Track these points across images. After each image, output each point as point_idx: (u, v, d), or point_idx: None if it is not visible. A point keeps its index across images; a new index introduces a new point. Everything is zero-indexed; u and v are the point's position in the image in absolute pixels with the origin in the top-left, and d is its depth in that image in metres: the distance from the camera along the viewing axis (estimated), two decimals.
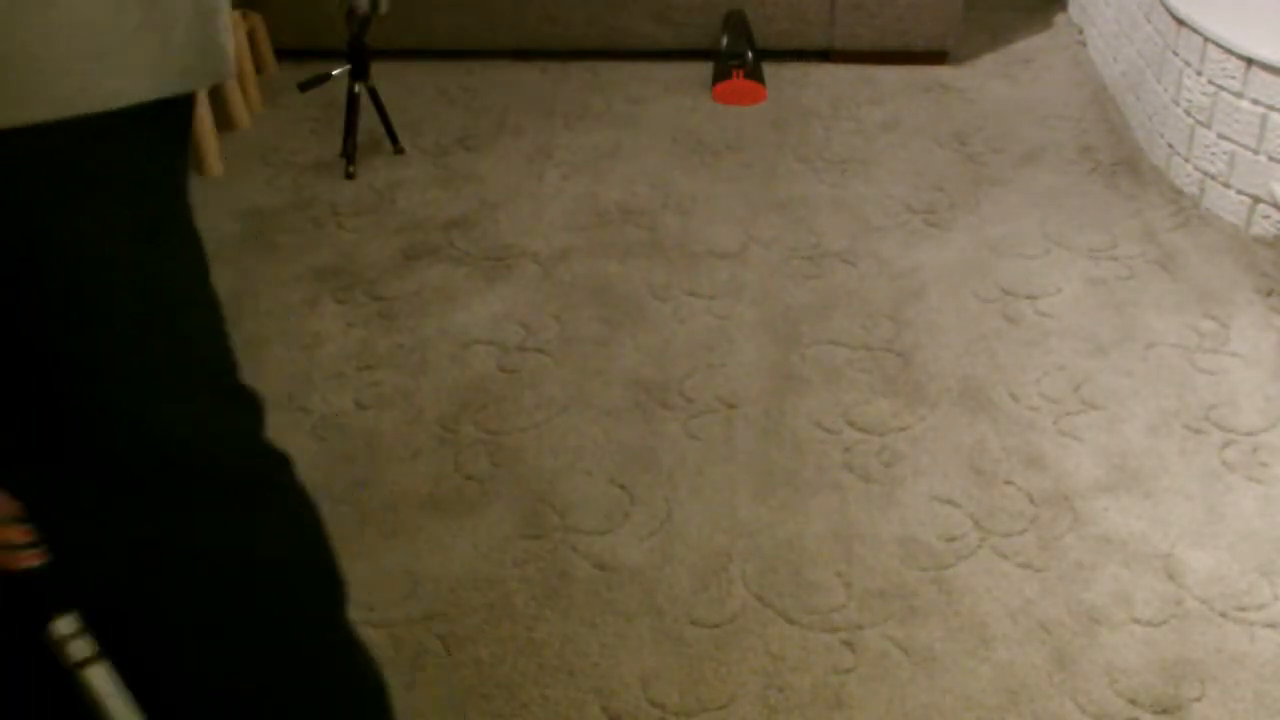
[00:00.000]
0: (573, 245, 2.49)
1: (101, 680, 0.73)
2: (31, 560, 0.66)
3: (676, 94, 3.12)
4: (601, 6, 3.22)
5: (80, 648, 0.71)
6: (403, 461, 1.92)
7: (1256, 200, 2.41)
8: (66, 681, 1.00)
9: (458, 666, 1.58)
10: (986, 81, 3.15)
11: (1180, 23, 2.52)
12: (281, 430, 1.98)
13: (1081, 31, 3.41)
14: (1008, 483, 1.85)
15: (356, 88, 2.77)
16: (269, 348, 2.19)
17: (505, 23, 3.25)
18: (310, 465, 1.91)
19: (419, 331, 2.23)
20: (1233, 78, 2.37)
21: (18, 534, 0.65)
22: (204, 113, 2.79)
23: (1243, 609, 1.63)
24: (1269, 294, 2.26)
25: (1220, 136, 2.44)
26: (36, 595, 0.68)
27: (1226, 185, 2.46)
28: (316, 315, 2.29)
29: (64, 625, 0.69)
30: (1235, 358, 2.09)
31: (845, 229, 2.52)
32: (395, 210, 2.63)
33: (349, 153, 2.78)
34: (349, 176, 2.77)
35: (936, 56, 3.25)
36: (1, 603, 0.67)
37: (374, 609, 1.66)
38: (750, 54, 3.13)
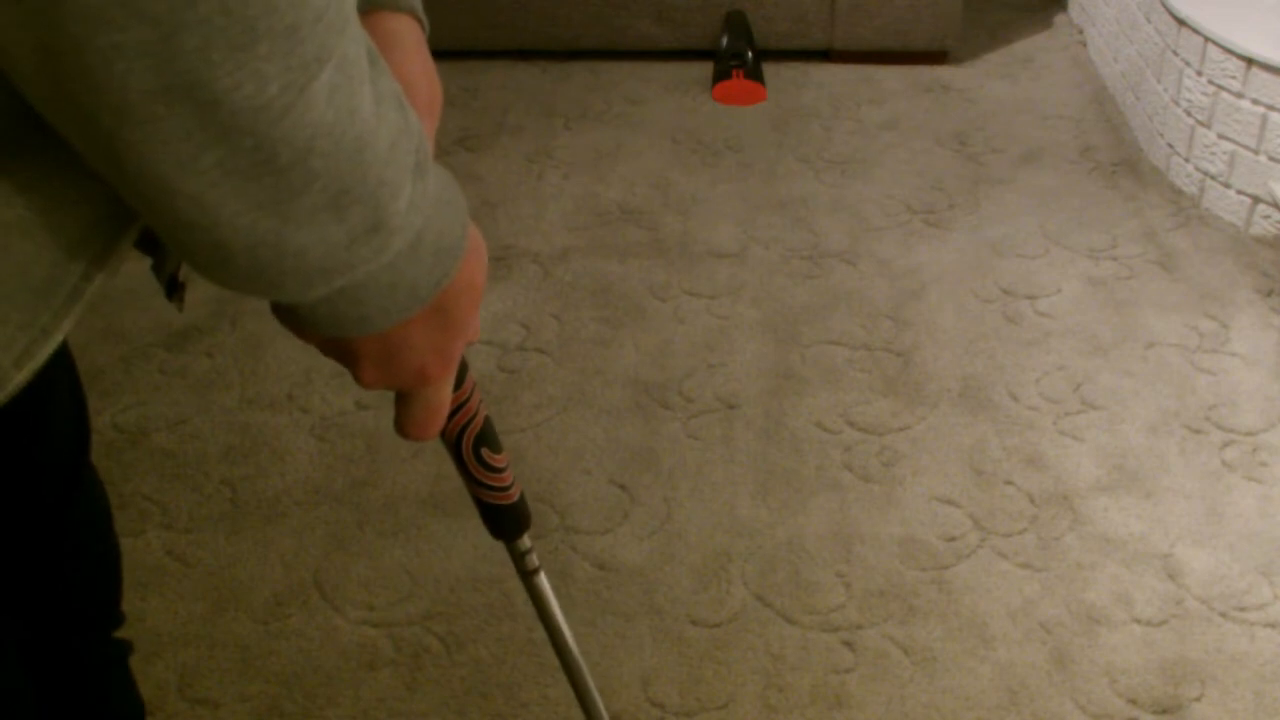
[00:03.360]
0: (573, 245, 2.49)
1: (545, 586, 0.97)
2: (507, 498, 0.89)
3: (676, 94, 3.12)
4: (601, 6, 3.22)
5: (534, 559, 0.95)
6: (403, 461, 1.92)
7: (1256, 200, 2.41)
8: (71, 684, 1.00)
9: (458, 666, 1.58)
10: (986, 81, 3.15)
11: (1180, 23, 2.52)
12: (281, 430, 1.98)
13: (1081, 31, 3.41)
14: (1008, 483, 1.85)
15: None
16: (269, 348, 2.19)
17: (505, 23, 3.25)
18: (310, 465, 1.91)
19: None
20: (1233, 78, 2.37)
21: (490, 478, 0.87)
22: None
23: (1243, 609, 1.63)
24: (1269, 294, 2.26)
25: (1220, 136, 2.44)
26: (516, 519, 0.91)
27: (1226, 185, 2.46)
28: None
29: (524, 542, 0.93)
30: (1235, 358, 2.09)
31: (845, 229, 2.52)
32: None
33: None
34: None
35: (936, 56, 3.25)
36: (493, 517, 0.91)
37: (374, 609, 1.66)
38: (750, 54, 3.13)
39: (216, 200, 0.48)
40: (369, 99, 0.50)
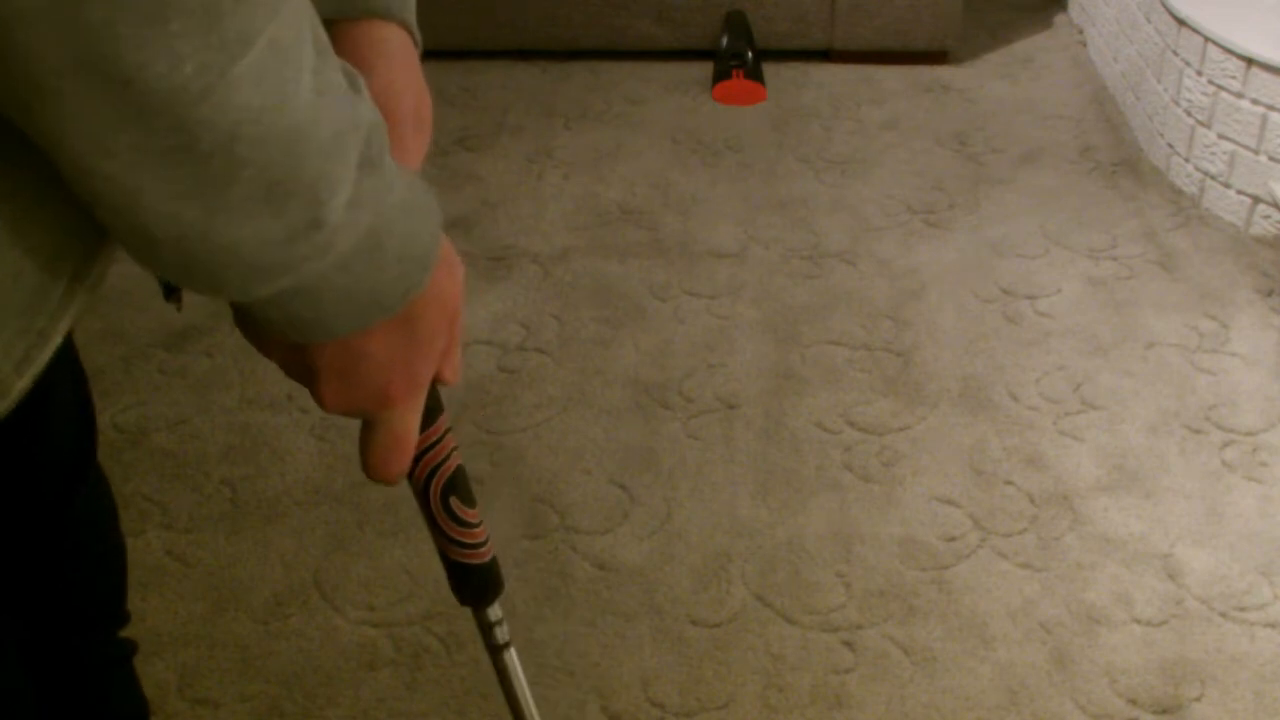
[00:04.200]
0: (573, 245, 2.49)
1: (515, 663, 0.88)
2: (484, 557, 0.80)
3: (676, 94, 3.12)
4: (601, 6, 3.22)
5: (505, 632, 0.86)
6: None
7: (1256, 200, 2.41)
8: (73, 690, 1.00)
9: (457, 666, 1.58)
10: (986, 81, 3.15)
11: (1180, 23, 2.52)
12: (281, 430, 1.98)
13: (1081, 31, 3.41)
14: (1008, 483, 1.85)
15: None
16: None
17: (505, 23, 3.25)
18: (310, 465, 1.91)
19: None
20: (1233, 78, 2.37)
21: (460, 534, 0.79)
22: None
23: (1243, 609, 1.63)
24: (1269, 294, 2.26)
25: (1220, 136, 2.44)
26: (484, 583, 0.83)
27: (1226, 185, 2.46)
28: None
29: (494, 611, 0.85)
30: (1235, 358, 2.09)
31: (845, 229, 2.52)
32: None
33: None
34: None
35: (936, 56, 3.25)
36: (460, 578, 0.82)
37: (374, 609, 1.66)
38: (750, 54, 3.13)
39: (135, 185, 0.46)
40: (307, 87, 0.48)
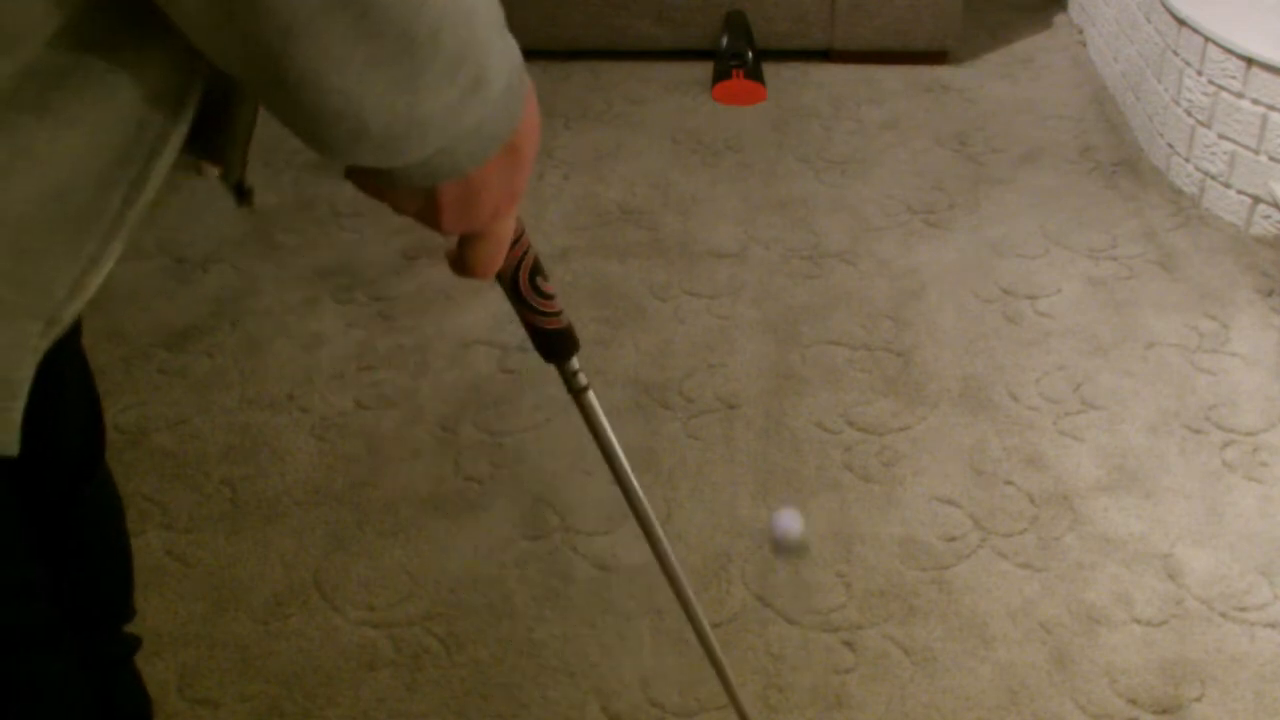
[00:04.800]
0: (573, 245, 2.48)
1: (595, 403, 1.05)
2: (559, 324, 0.98)
3: (676, 94, 3.12)
4: (601, 6, 3.22)
5: (584, 377, 1.05)
6: (403, 461, 1.92)
7: (1256, 200, 2.41)
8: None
9: (457, 666, 1.58)
10: (986, 81, 3.15)
11: (1180, 22, 2.52)
12: (281, 430, 1.98)
13: (1081, 31, 3.41)
14: (1008, 483, 1.85)
15: None
16: (269, 348, 2.19)
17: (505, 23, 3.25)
18: (310, 465, 1.91)
19: (419, 331, 2.23)
20: (1233, 78, 2.37)
21: (547, 305, 0.95)
22: None
23: (1243, 609, 1.63)
24: (1269, 294, 2.26)
25: (1220, 136, 2.44)
26: (567, 342, 1.01)
27: (1226, 185, 2.46)
28: (316, 315, 2.29)
29: (574, 363, 1.04)
30: (1235, 358, 2.09)
31: (845, 229, 2.52)
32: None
33: None
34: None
35: (936, 56, 3.25)
36: (547, 342, 0.98)
37: (374, 609, 1.66)
38: (750, 54, 3.13)
39: (363, 90, 0.54)
40: None
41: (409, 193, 0.66)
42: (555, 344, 1.01)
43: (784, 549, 1.78)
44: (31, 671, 0.81)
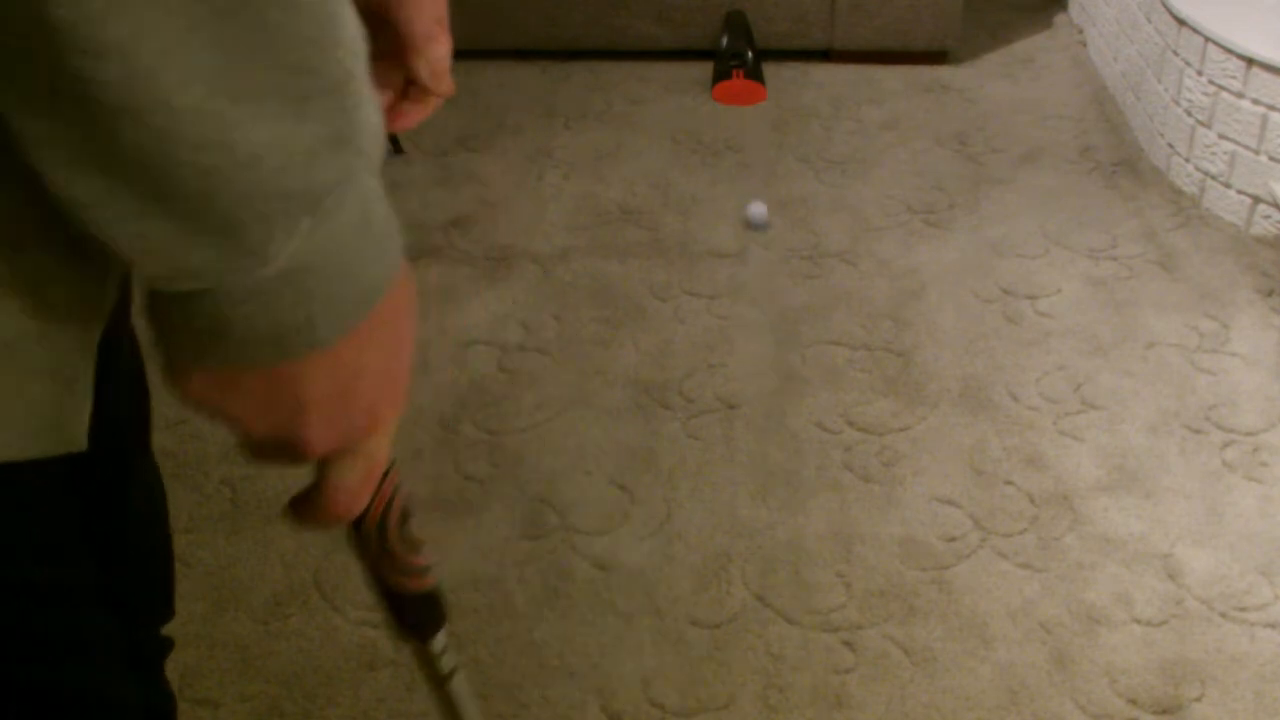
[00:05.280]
0: (573, 245, 2.49)
1: (464, 687, 0.82)
2: (429, 582, 0.74)
3: (676, 94, 3.12)
4: (601, 6, 3.22)
5: (451, 659, 0.80)
6: (403, 461, 1.92)
7: (1257, 200, 2.41)
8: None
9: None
10: (986, 81, 3.15)
11: (1180, 22, 2.52)
12: None
13: (1081, 31, 3.41)
14: (1008, 483, 1.85)
15: None
16: None
17: (505, 23, 3.25)
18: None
19: (419, 331, 2.23)
20: (1233, 77, 2.37)
21: (417, 560, 0.72)
22: None
23: (1243, 609, 1.63)
24: (1269, 294, 2.26)
25: (1220, 136, 2.44)
26: (429, 611, 0.76)
27: (1227, 185, 2.46)
28: None
29: (439, 641, 0.78)
30: (1235, 358, 2.09)
31: (845, 229, 2.52)
32: (395, 210, 2.63)
33: None
34: None
35: (936, 56, 3.24)
36: (416, 609, 0.75)
37: (374, 609, 1.66)
38: (750, 54, 3.13)
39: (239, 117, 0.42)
40: None
41: (262, 384, 0.49)
42: (426, 611, 0.76)
43: (753, 228, 2.28)
44: (86, 681, 0.79)
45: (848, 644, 1.59)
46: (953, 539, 1.75)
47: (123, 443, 0.90)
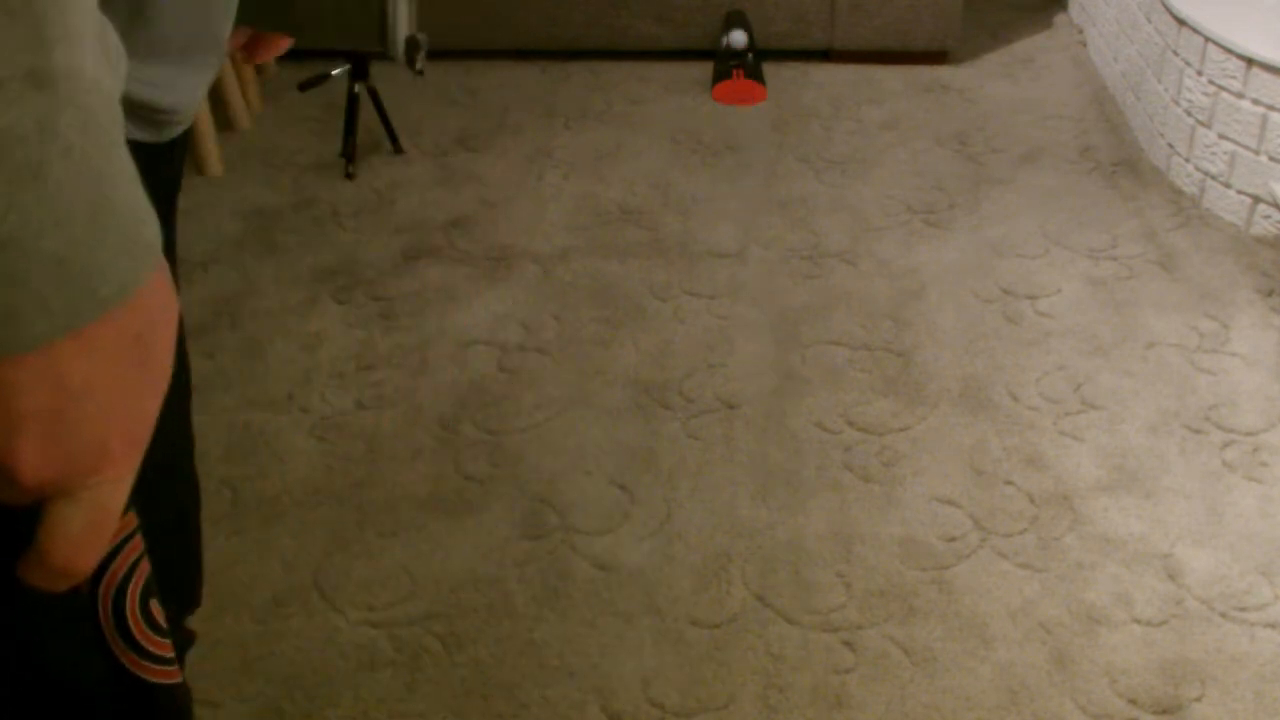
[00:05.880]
0: (573, 245, 2.49)
1: None
2: (168, 676, 0.64)
3: (676, 94, 3.12)
4: (601, 6, 3.22)
5: None
6: (403, 461, 1.92)
7: (1257, 200, 2.40)
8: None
9: (457, 666, 1.58)
10: (986, 81, 3.15)
11: (1180, 23, 2.52)
12: (281, 430, 1.98)
13: (1081, 31, 3.40)
14: (1008, 483, 1.85)
15: (356, 88, 2.77)
16: (269, 348, 2.19)
17: (505, 23, 3.25)
18: (310, 465, 1.91)
19: (419, 331, 2.23)
20: (1233, 78, 2.37)
21: (161, 647, 0.63)
22: (204, 114, 2.79)
23: (1243, 609, 1.63)
24: (1269, 294, 2.26)
25: (1220, 136, 2.44)
26: (187, 703, 0.67)
27: (1227, 185, 2.46)
28: (316, 315, 2.29)
29: None
30: (1235, 358, 2.09)
31: (845, 229, 2.52)
32: (395, 210, 2.63)
33: (349, 153, 2.78)
34: (349, 177, 2.77)
35: (936, 56, 3.25)
36: (158, 704, 0.65)
37: (374, 609, 1.66)
38: (750, 54, 3.13)
39: None
40: None
41: None
42: (159, 708, 0.64)
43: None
44: (90, 670, 0.78)
45: (848, 644, 1.59)
46: (953, 539, 1.75)
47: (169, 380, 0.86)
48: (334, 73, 2.79)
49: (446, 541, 1.77)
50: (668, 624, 1.63)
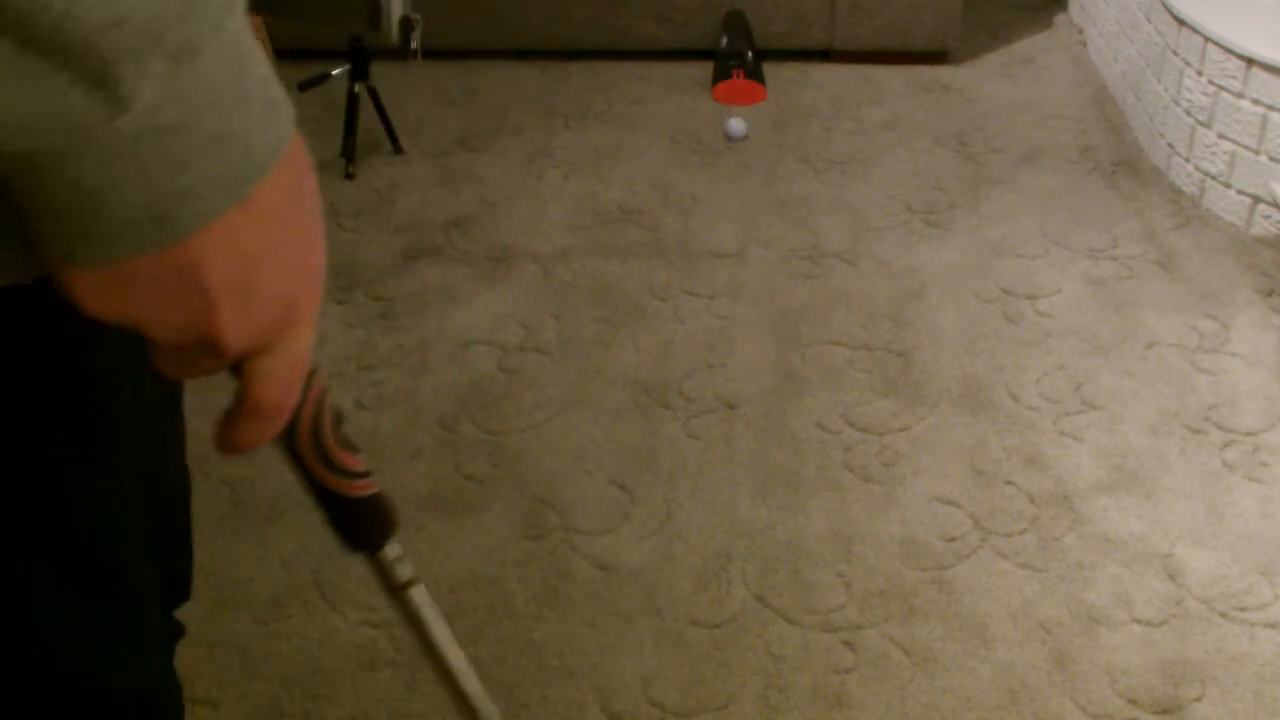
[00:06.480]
0: (573, 245, 2.49)
1: (424, 597, 0.77)
2: (368, 488, 0.69)
3: (676, 94, 3.12)
4: (601, 6, 3.22)
5: (407, 569, 0.75)
6: (403, 461, 1.92)
7: (1256, 200, 2.40)
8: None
9: None
10: (986, 81, 3.15)
11: (1180, 23, 2.52)
12: None
13: (1081, 31, 3.41)
14: (1008, 483, 1.85)
15: (356, 88, 2.77)
16: None
17: (505, 23, 3.25)
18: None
19: (419, 331, 2.23)
20: (1233, 78, 2.37)
21: (356, 463, 0.68)
22: None
23: (1243, 609, 1.63)
24: (1269, 294, 2.26)
25: (1220, 136, 2.44)
26: (376, 518, 0.71)
27: (1226, 185, 2.46)
28: None
29: (393, 549, 0.73)
30: (1235, 358, 2.09)
31: (845, 229, 2.52)
32: (395, 210, 2.63)
33: (349, 153, 2.78)
34: (349, 177, 2.77)
35: (936, 56, 3.24)
36: (360, 516, 0.70)
37: (374, 609, 1.66)
38: (750, 54, 3.13)
39: None
40: None
41: (157, 275, 0.45)
42: (369, 517, 0.71)
43: (732, 139, 2.44)
44: (81, 664, 0.79)
45: (848, 644, 1.59)
46: (953, 539, 1.75)
47: (160, 400, 0.86)
48: (334, 73, 2.79)
49: (446, 541, 1.77)
50: (668, 624, 1.63)
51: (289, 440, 0.68)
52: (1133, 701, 1.51)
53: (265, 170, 0.46)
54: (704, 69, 3.21)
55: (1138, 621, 1.62)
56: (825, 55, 3.29)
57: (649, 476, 1.88)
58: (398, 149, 2.87)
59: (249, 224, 0.46)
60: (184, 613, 1.72)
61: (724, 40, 3.16)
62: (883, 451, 1.92)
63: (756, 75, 3.11)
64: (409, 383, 2.10)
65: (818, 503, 1.82)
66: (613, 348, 2.17)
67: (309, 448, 0.67)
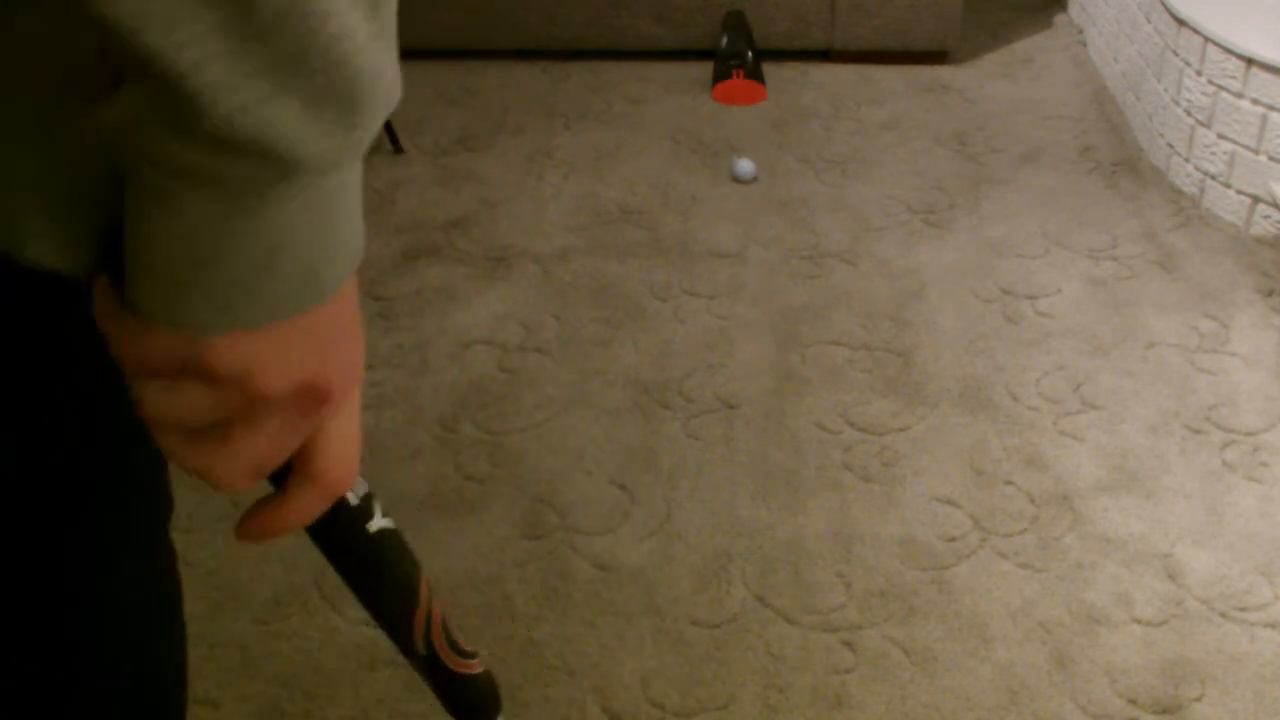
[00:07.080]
0: (573, 245, 2.49)
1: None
2: (479, 667, 0.73)
3: (676, 94, 3.12)
4: (601, 6, 3.22)
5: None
6: (403, 461, 1.92)
7: (1256, 200, 2.41)
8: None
9: None
10: (986, 81, 3.15)
11: (1180, 23, 2.52)
12: None
13: (1081, 31, 3.41)
14: (1008, 483, 1.85)
15: None
16: None
17: (505, 23, 3.25)
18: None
19: (419, 331, 2.23)
20: (1233, 78, 2.37)
21: (464, 643, 0.73)
22: None
23: (1243, 609, 1.63)
24: (1269, 294, 2.26)
25: (1220, 136, 2.44)
26: (493, 690, 0.75)
27: (1226, 185, 2.46)
28: None
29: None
30: (1235, 358, 2.09)
31: (845, 229, 2.52)
32: (395, 210, 2.63)
33: None
34: None
35: (936, 56, 3.24)
36: (474, 695, 0.74)
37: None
38: (750, 54, 3.13)
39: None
40: None
41: (299, 331, 0.48)
42: (485, 696, 0.74)
43: (740, 181, 2.49)
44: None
45: (848, 644, 1.59)
46: (953, 539, 1.75)
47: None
48: None
49: (446, 541, 1.77)
50: (668, 624, 1.63)
51: (426, 645, 0.69)
52: (1133, 701, 1.51)
53: (357, 259, 0.51)
54: (704, 69, 3.21)
55: (1138, 621, 1.62)
56: (825, 55, 3.29)
57: (649, 476, 1.88)
58: (398, 149, 2.87)
59: (340, 301, 0.50)
60: (184, 612, 1.72)
61: (724, 40, 3.16)
62: (883, 451, 1.92)
63: (756, 75, 3.11)
64: (409, 383, 2.10)
65: (818, 503, 1.82)
66: (613, 348, 2.17)
67: (440, 635, 0.69)
